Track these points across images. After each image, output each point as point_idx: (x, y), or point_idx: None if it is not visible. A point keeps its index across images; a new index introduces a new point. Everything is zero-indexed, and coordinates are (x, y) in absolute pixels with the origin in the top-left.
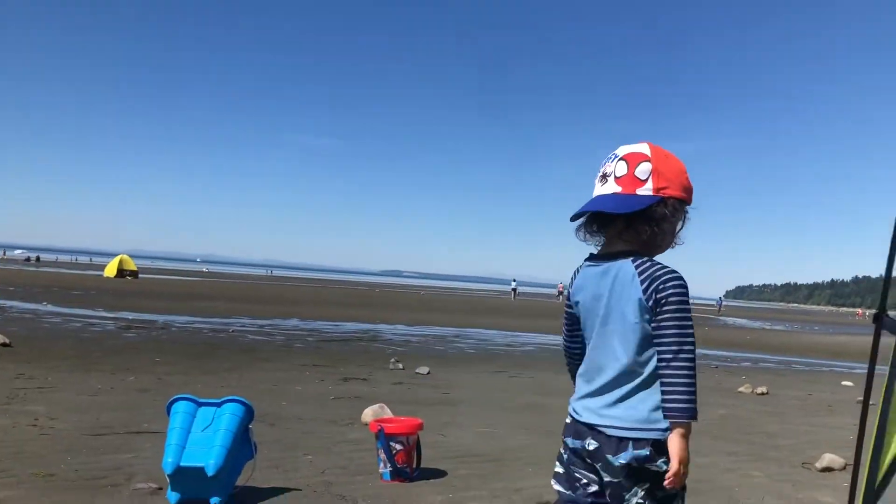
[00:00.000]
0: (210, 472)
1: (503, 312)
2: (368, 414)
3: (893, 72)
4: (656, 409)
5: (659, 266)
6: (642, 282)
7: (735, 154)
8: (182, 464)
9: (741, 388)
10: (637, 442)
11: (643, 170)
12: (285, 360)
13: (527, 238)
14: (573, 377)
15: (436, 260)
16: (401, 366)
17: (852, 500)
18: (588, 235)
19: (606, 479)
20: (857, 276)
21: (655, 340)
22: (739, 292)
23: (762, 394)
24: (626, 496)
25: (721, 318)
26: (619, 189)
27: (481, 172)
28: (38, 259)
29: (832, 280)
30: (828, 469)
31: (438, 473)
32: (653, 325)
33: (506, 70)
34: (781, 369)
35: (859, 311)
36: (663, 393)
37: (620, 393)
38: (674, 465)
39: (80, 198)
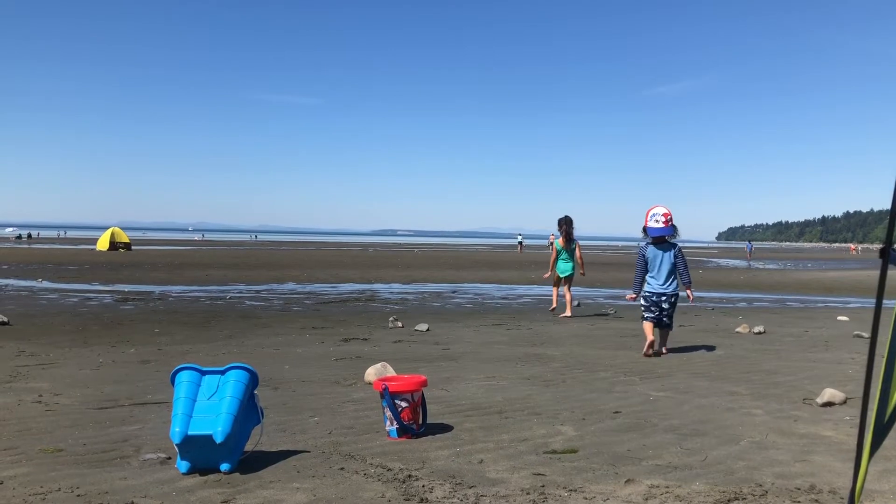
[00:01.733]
0: (218, 440)
1: (498, 266)
2: (371, 373)
3: (886, 6)
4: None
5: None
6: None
7: (722, 92)
8: (190, 433)
9: (738, 329)
10: None
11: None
12: (284, 323)
13: (521, 191)
14: (641, 282)
15: (431, 217)
16: (400, 324)
17: (861, 436)
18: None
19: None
20: (847, 212)
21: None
22: (732, 234)
23: (759, 333)
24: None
25: (719, 259)
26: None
27: (476, 126)
28: (29, 236)
29: (823, 217)
30: (829, 404)
31: (444, 428)
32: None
33: (493, 19)
34: (777, 308)
35: (852, 246)
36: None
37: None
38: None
39: (65, 173)
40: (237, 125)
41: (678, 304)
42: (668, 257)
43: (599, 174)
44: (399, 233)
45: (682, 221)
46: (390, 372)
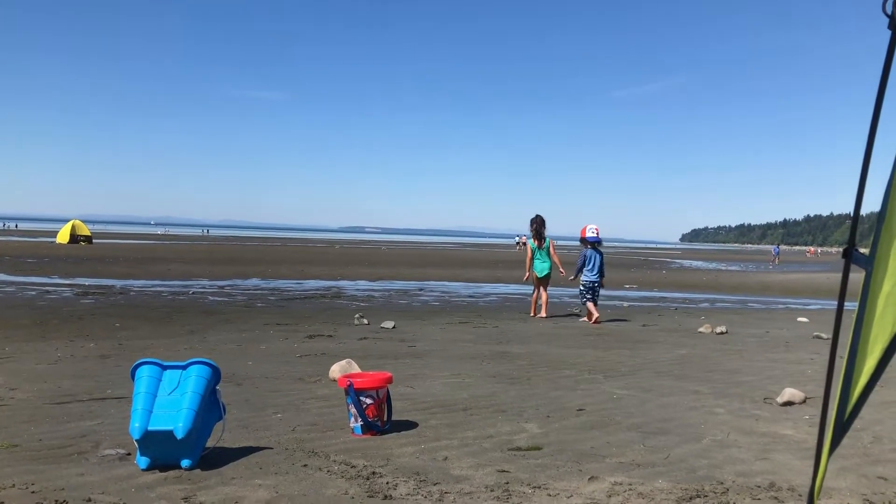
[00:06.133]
0: (179, 436)
1: (465, 264)
2: (336, 370)
3: (843, 7)
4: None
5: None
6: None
7: (685, 94)
8: (150, 428)
9: (701, 329)
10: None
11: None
12: (248, 319)
13: (491, 191)
14: (578, 273)
15: (399, 215)
16: (365, 321)
17: (822, 434)
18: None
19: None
20: (808, 216)
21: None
22: (695, 235)
23: (721, 333)
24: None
25: (683, 261)
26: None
27: (445, 125)
28: None
29: (784, 220)
30: (788, 403)
31: (409, 425)
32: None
33: (465, 17)
34: (739, 308)
35: (811, 248)
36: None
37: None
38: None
39: (21, 162)
40: (203, 120)
41: (638, 304)
42: (599, 258)
43: (567, 175)
44: (367, 230)
45: (645, 223)
46: (355, 369)
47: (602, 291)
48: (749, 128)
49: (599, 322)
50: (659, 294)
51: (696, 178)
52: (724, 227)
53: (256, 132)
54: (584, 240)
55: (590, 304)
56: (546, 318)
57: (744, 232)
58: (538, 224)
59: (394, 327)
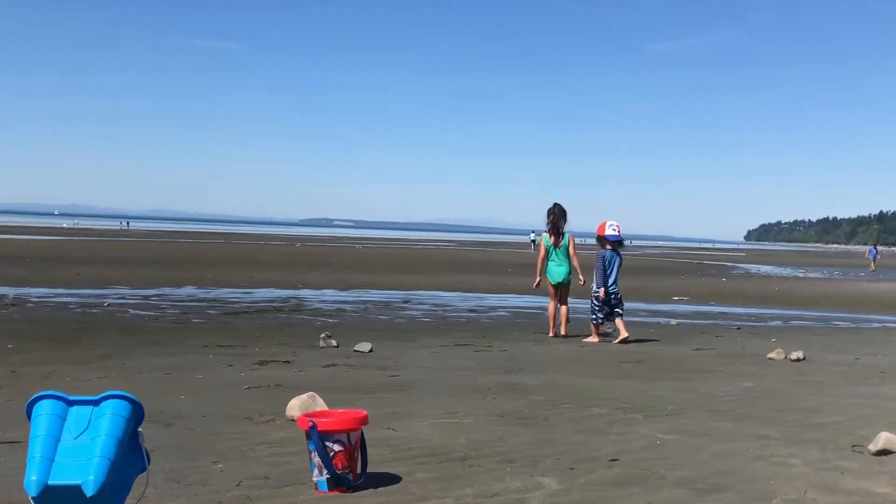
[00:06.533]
0: (89, 492)
1: (464, 269)
2: (295, 406)
3: None
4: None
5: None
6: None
7: (756, 51)
8: (51, 482)
9: (771, 354)
10: None
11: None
12: (181, 340)
13: (493, 176)
14: (605, 281)
15: (377, 205)
16: (334, 342)
17: None
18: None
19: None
20: None
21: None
22: (764, 232)
23: (797, 360)
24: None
25: (748, 265)
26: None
27: (436, 91)
28: None
29: (881, 212)
30: (884, 452)
31: (390, 479)
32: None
33: None
34: (820, 328)
35: None
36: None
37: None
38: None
39: None
40: (127, 75)
41: (689, 321)
42: (619, 261)
43: (590, 158)
44: (336, 223)
45: (700, 217)
46: (321, 405)
47: (642, 305)
48: (835, 96)
49: (602, 338)
50: (717, 308)
51: (766, 160)
52: (803, 221)
53: (196, 94)
54: (602, 238)
55: (593, 327)
56: (567, 337)
57: (828, 228)
58: (556, 215)
59: (370, 351)
